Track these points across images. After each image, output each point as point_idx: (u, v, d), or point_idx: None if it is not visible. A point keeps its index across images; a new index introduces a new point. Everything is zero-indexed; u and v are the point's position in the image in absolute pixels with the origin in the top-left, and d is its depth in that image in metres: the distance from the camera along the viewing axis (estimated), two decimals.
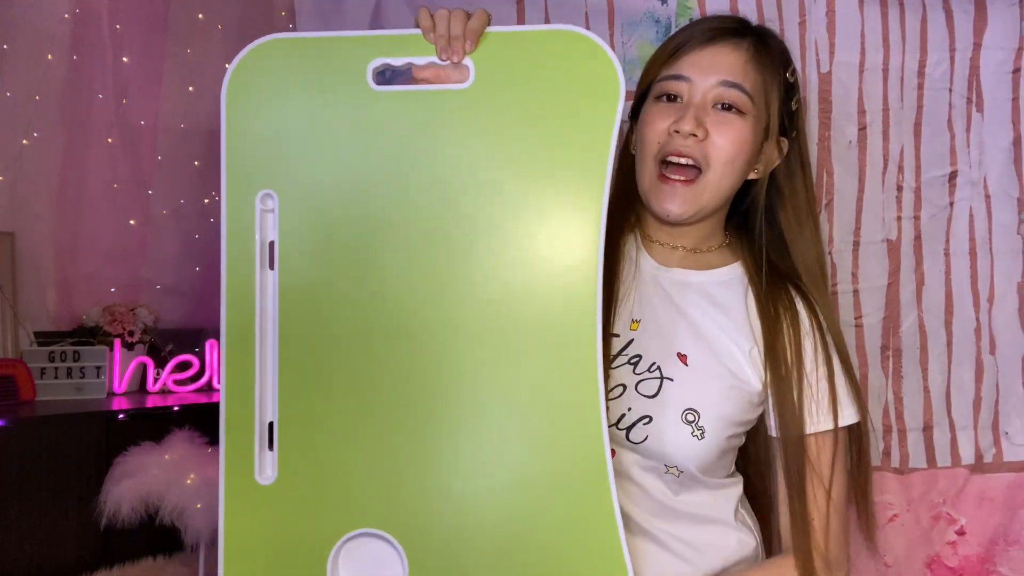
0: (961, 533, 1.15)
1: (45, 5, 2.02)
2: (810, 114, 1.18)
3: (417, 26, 0.72)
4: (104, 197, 2.13)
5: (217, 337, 0.70)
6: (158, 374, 2.02)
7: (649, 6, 1.21)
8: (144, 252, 2.19)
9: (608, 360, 0.90)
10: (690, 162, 0.87)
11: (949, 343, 1.17)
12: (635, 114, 0.95)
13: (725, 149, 0.88)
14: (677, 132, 0.87)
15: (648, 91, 0.93)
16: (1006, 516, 1.16)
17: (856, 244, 1.18)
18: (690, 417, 0.87)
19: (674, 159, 0.87)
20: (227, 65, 0.71)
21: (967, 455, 1.17)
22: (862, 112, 1.17)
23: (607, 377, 0.84)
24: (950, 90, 1.16)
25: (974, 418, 1.17)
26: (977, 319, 1.17)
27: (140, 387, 2.03)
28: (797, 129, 0.95)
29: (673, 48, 0.92)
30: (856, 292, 1.19)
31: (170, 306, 2.17)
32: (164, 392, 2.01)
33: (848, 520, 0.92)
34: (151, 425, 1.66)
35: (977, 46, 1.15)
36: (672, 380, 0.88)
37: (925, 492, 1.17)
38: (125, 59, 2.12)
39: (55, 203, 2.06)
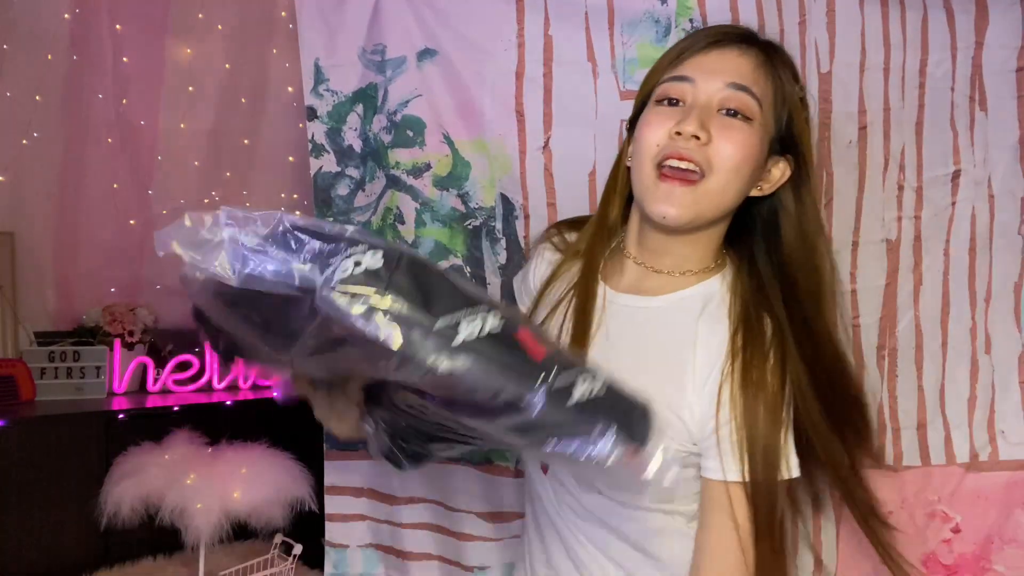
0: (956, 531, 1.15)
1: (45, 5, 2.01)
2: (810, 114, 1.18)
3: None
4: (104, 197, 2.12)
5: None
6: (158, 374, 2.02)
7: (649, 6, 1.21)
8: (144, 252, 2.17)
9: None
10: (691, 167, 0.81)
11: (944, 342, 1.17)
12: (633, 126, 0.90)
13: (730, 155, 0.81)
14: (679, 134, 0.81)
15: (648, 99, 0.88)
16: (1002, 514, 1.15)
17: (855, 244, 1.18)
18: None
19: (674, 162, 0.81)
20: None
21: (962, 453, 1.17)
22: (862, 112, 1.17)
23: None
24: (952, 89, 1.16)
25: (968, 416, 1.17)
26: (973, 319, 1.16)
27: (140, 387, 2.02)
28: (803, 151, 0.88)
29: (677, 52, 0.87)
30: (854, 292, 1.18)
31: (170, 306, 2.16)
32: (164, 392, 2.01)
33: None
34: (151, 425, 1.65)
35: (979, 45, 1.15)
36: None
37: (919, 490, 1.17)
38: (125, 59, 2.11)
39: (55, 203, 2.05)
